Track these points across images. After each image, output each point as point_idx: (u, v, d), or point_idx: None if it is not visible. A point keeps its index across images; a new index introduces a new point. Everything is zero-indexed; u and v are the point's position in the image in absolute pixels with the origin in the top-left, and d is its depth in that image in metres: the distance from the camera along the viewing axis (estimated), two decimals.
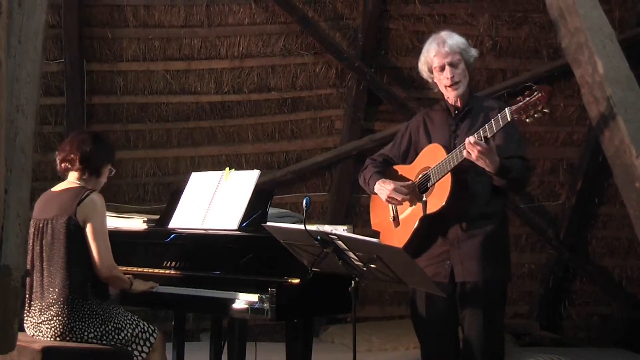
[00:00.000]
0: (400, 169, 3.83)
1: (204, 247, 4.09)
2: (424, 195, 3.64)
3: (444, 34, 3.77)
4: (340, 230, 3.69)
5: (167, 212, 4.37)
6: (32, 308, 3.81)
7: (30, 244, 3.85)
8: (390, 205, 3.78)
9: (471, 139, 3.37)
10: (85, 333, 3.73)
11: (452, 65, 3.67)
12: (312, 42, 6.71)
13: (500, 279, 3.68)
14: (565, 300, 7.42)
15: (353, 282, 3.31)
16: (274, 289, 3.50)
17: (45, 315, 3.75)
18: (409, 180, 3.74)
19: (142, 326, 3.85)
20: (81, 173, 3.93)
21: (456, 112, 3.73)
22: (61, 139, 6.04)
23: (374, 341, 6.55)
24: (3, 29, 3.05)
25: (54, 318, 3.73)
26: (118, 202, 6.73)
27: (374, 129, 6.96)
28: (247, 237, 3.95)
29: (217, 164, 6.82)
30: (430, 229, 3.65)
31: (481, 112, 3.69)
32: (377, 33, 6.71)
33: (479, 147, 3.36)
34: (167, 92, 6.81)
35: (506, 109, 3.36)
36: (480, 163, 3.42)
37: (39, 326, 3.77)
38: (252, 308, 3.58)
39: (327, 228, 3.50)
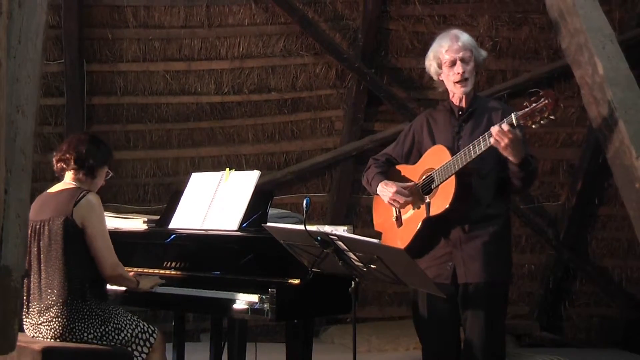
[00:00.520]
0: (404, 169, 3.82)
1: (204, 247, 4.09)
2: (427, 197, 3.63)
3: (455, 30, 3.74)
4: (341, 230, 3.69)
5: (167, 213, 4.37)
6: (31, 310, 3.81)
7: (28, 246, 3.84)
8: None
9: (504, 126, 3.33)
10: (85, 334, 3.73)
11: (464, 61, 3.65)
12: (312, 42, 6.71)
13: (502, 280, 3.68)
14: (565, 300, 7.41)
15: (353, 282, 3.31)
16: (274, 290, 3.50)
17: (44, 317, 3.75)
18: (411, 181, 3.73)
19: (142, 326, 3.85)
20: (76, 173, 3.92)
21: (460, 113, 3.72)
22: (61, 139, 6.04)
23: (374, 342, 6.55)
24: (3, 29, 3.05)
25: (54, 319, 3.73)
26: (118, 203, 6.73)
27: (374, 129, 6.96)
28: (247, 238, 3.95)
29: (217, 165, 6.82)
30: (432, 230, 3.64)
31: (485, 114, 3.68)
32: (377, 34, 6.71)
33: (510, 136, 3.33)
34: (167, 92, 6.81)
35: (512, 115, 3.35)
36: (507, 152, 3.39)
37: (39, 327, 3.76)
38: (252, 308, 3.58)
39: (327, 228, 3.51)
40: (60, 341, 3.72)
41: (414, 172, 3.75)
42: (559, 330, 7.43)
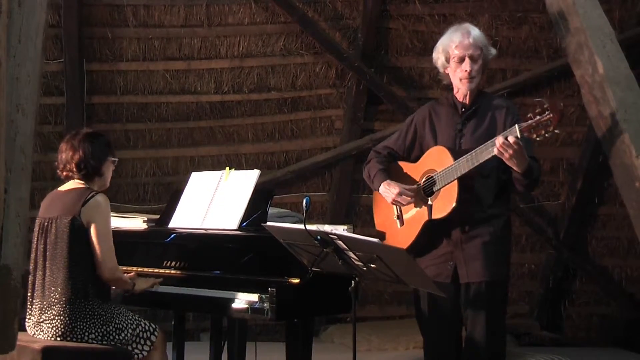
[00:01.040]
0: (405, 166, 3.81)
1: (204, 247, 4.09)
2: (429, 198, 3.63)
3: (467, 25, 3.72)
4: (340, 230, 3.68)
5: (167, 212, 4.37)
6: (34, 307, 3.81)
7: (35, 243, 3.86)
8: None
9: (510, 138, 3.34)
10: (87, 333, 3.73)
11: (472, 59, 3.64)
12: (312, 42, 6.71)
13: (502, 279, 3.69)
14: (565, 300, 7.41)
15: (353, 282, 3.30)
16: (274, 289, 3.50)
17: (46, 315, 3.75)
18: (413, 179, 3.73)
19: (143, 325, 3.85)
20: (83, 177, 3.93)
21: (463, 109, 3.70)
22: (61, 138, 5.99)
23: (374, 341, 6.55)
24: (3, 29, 3.05)
25: (56, 318, 3.73)
26: (118, 202, 6.72)
27: (373, 128, 6.96)
28: (247, 237, 3.95)
29: (217, 164, 6.82)
30: (434, 231, 3.65)
31: (488, 112, 3.66)
32: (377, 33, 6.71)
33: (515, 147, 3.34)
34: (167, 92, 6.81)
35: (516, 126, 3.35)
36: (511, 163, 3.40)
37: (40, 325, 3.76)
38: (252, 308, 3.57)
39: (327, 228, 3.50)
40: (61, 340, 3.72)
41: (415, 171, 3.75)
42: (559, 330, 7.43)
